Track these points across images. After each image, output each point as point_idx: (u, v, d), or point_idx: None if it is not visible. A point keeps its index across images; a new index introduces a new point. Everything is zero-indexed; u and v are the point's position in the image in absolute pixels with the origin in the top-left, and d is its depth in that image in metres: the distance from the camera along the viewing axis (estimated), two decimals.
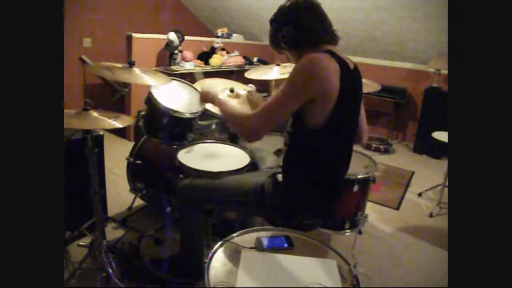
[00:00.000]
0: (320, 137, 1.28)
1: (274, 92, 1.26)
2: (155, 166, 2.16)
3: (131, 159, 2.20)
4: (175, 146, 1.94)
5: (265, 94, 4.09)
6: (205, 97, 1.64)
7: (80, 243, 1.87)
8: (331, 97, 1.21)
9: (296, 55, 1.36)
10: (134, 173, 2.27)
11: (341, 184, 1.50)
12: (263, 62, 4.90)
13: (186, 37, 3.85)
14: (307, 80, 1.19)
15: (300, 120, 1.28)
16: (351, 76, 1.29)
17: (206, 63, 4.14)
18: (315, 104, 1.22)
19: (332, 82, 1.20)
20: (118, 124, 1.44)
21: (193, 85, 2.10)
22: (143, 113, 1.97)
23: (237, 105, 1.51)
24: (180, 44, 3.76)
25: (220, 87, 1.99)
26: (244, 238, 1.15)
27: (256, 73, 2.52)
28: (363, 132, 1.51)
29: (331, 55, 1.24)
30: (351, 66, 1.32)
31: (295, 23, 1.30)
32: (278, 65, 2.58)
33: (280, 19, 1.34)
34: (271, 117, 1.23)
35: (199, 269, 1.61)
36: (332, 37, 1.33)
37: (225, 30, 4.90)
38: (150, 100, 1.85)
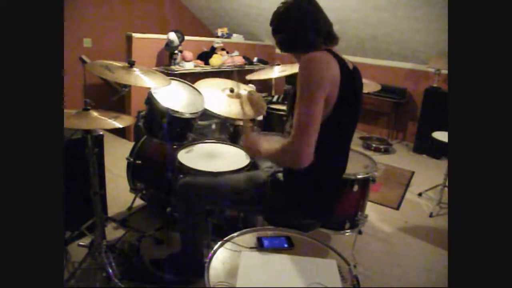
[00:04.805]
0: (320, 137, 1.27)
1: (295, 109, 1.21)
2: (155, 166, 2.16)
3: (131, 159, 2.20)
4: (175, 146, 1.94)
5: (265, 94, 4.09)
6: (252, 152, 1.51)
7: (80, 243, 1.87)
8: (331, 96, 1.20)
9: (296, 56, 1.37)
10: (134, 173, 2.26)
11: (340, 184, 1.49)
12: (263, 62, 4.90)
13: (186, 37, 3.85)
14: (315, 76, 1.17)
15: None
16: (351, 76, 1.28)
17: (206, 63, 4.14)
18: None
19: (332, 79, 1.19)
20: (118, 124, 1.44)
21: (193, 85, 2.10)
22: (143, 113, 1.97)
23: (274, 142, 1.39)
24: (180, 44, 3.76)
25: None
26: (244, 238, 1.15)
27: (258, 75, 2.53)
28: None
29: (330, 53, 1.23)
30: (350, 67, 1.31)
31: (286, 30, 1.30)
32: (278, 64, 2.59)
33: (274, 25, 1.35)
34: (305, 130, 1.17)
35: (199, 269, 1.62)
36: (328, 39, 1.31)
37: (225, 30, 4.90)
38: (150, 100, 1.86)
